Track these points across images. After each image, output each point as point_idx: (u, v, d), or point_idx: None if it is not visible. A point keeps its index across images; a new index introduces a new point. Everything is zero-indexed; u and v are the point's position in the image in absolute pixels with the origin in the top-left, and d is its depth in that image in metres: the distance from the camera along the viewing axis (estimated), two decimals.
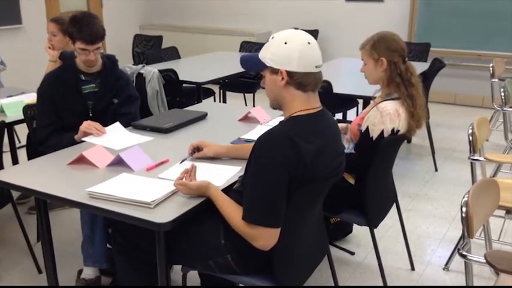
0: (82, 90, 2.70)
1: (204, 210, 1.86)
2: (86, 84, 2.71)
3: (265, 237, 1.70)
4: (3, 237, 3.18)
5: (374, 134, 2.30)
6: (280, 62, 1.72)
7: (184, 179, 1.88)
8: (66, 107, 2.67)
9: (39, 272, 2.75)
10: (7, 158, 3.06)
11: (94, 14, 2.71)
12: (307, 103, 1.76)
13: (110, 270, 2.57)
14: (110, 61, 2.79)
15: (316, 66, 1.73)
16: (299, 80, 1.72)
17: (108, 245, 2.51)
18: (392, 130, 2.30)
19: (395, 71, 2.36)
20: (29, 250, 2.78)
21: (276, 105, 1.82)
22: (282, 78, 1.72)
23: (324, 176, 1.76)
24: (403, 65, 2.38)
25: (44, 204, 2.12)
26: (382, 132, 2.29)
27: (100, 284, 2.58)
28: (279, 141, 1.66)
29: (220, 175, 2.05)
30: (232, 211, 1.78)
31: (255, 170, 1.69)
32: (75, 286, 2.55)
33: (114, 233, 2.13)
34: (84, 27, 2.55)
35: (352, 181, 2.42)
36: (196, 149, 2.24)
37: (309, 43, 1.73)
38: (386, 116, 2.28)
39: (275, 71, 1.73)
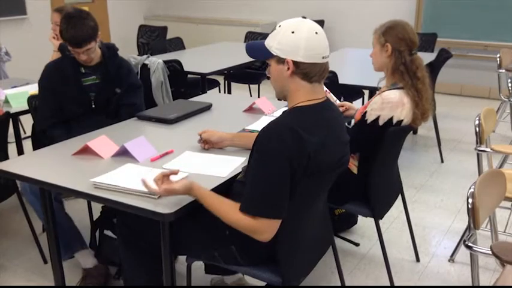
0: (83, 83, 2.67)
1: None
2: (86, 77, 2.69)
3: (265, 229, 1.67)
4: (8, 227, 3.19)
5: (369, 118, 2.29)
6: (286, 51, 1.69)
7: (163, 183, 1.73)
8: (68, 98, 2.66)
9: (45, 262, 2.77)
10: (12, 148, 3.07)
11: (86, 12, 2.55)
12: (312, 94, 1.74)
13: (114, 261, 2.57)
14: (110, 50, 2.74)
15: (323, 57, 1.70)
16: (305, 71, 1.69)
17: (109, 233, 2.51)
18: (391, 119, 2.27)
19: (400, 59, 2.34)
20: (34, 240, 2.79)
21: (282, 95, 1.80)
22: (288, 68, 1.69)
23: (328, 167, 1.74)
24: (409, 56, 2.35)
25: (48, 194, 2.12)
26: (378, 118, 2.27)
27: (102, 272, 2.58)
28: (282, 133, 1.63)
29: (224, 166, 2.04)
30: (225, 207, 1.71)
31: (257, 161, 1.67)
32: (79, 286, 2.55)
33: (119, 224, 2.13)
34: (70, 29, 2.46)
35: (355, 170, 2.40)
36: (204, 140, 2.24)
37: (316, 33, 1.69)
38: (386, 103, 2.26)
39: (281, 61, 1.70)
